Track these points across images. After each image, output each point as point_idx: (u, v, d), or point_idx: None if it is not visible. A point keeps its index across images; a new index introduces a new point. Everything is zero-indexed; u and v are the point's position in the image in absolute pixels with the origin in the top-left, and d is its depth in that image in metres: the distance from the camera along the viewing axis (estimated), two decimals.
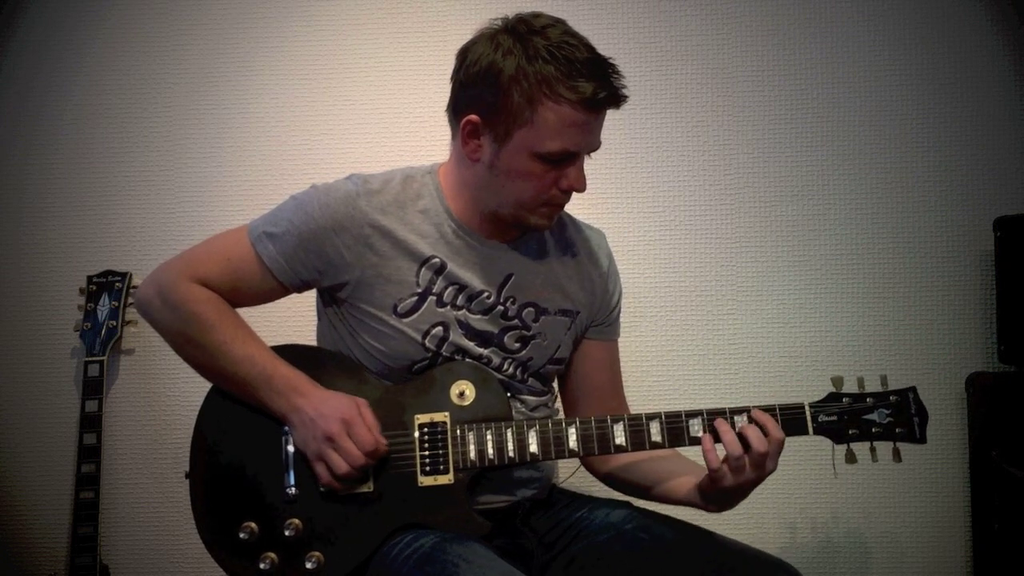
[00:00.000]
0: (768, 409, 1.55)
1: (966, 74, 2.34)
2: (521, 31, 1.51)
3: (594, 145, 1.57)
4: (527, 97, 1.48)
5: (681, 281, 2.39)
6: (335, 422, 1.50)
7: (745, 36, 2.39)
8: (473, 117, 1.54)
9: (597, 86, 1.48)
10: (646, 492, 1.70)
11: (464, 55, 1.57)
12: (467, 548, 1.45)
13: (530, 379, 1.69)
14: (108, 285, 2.36)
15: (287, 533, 1.54)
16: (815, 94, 2.38)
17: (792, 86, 2.38)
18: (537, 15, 1.55)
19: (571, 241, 1.76)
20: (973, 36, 2.34)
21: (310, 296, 1.74)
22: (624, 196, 2.39)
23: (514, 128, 1.51)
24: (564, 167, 1.54)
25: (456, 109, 1.59)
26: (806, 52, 2.38)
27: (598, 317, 1.78)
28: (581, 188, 1.57)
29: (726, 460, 1.50)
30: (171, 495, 2.38)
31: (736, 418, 1.54)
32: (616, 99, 1.52)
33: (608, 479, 1.77)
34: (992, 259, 2.23)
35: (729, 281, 2.38)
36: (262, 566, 1.53)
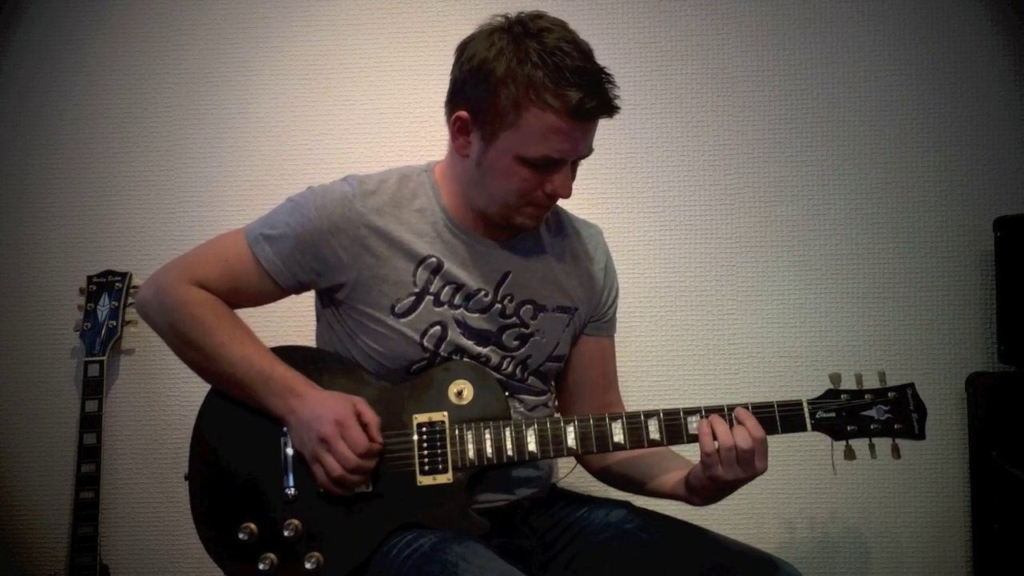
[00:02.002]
0: (766, 406, 1.55)
1: (966, 74, 2.34)
2: (517, 32, 1.51)
3: (581, 153, 1.56)
4: (513, 100, 1.48)
5: (681, 281, 2.39)
6: (329, 424, 1.50)
7: (745, 36, 2.39)
8: (463, 113, 1.55)
9: (585, 96, 1.47)
10: (639, 487, 1.70)
11: (462, 50, 1.57)
12: (467, 547, 1.45)
13: (530, 378, 1.69)
14: (108, 285, 2.36)
15: (286, 533, 1.54)
16: (815, 94, 2.37)
17: (792, 86, 2.38)
18: (538, 16, 1.54)
19: (568, 237, 1.76)
20: (973, 36, 2.34)
21: (309, 297, 1.74)
22: (624, 196, 2.39)
23: (500, 130, 1.51)
24: (549, 172, 1.54)
25: (449, 104, 1.60)
26: (806, 52, 2.38)
27: (596, 313, 1.78)
28: (565, 195, 1.56)
29: (719, 450, 1.49)
30: (171, 495, 2.38)
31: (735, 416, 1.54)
32: (605, 109, 1.51)
33: (602, 474, 1.77)
34: (992, 259, 2.23)
35: (729, 281, 2.38)
36: (262, 567, 1.53)
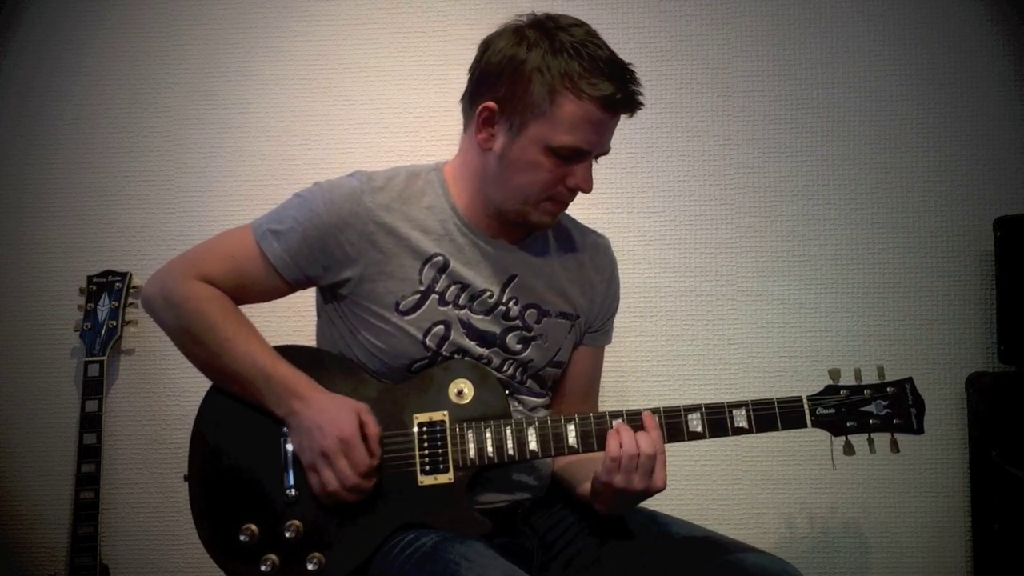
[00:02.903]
0: (766, 403, 1.55)
1: (966, 74, 2.35)
2: (549, 26, 1.54)
3: (604, 148, 1.58)
4: (549, 88, 1.50)
5: (681, 281, 2.39)
6: (333, 440, 1.50)
7: (745, 36, 2.39)
8: (491, 104, 1.55)
9: (617, 88, 1.51)
10: (571, 492, 1.68)
11: (487, 46, 1.58)
12: (468, 547, 1.45)
13: (528, 381, 1.69)
14: (108, 285, 2.36)
15: (288, 534, 1.53)
16: (815, 94, 2.38)
17: (792, 86, 2.38)
18: (563, 15, 1.57)
19: (575, 245, 1.76)
20: (973, 36, 2.34)
21: (310, 296, 1.74)
22: (624, 196, 2.39)
23: (530, 119, 1.52)
24: (572, 165, 1.55)
25: (473, 97, 1.60)
26: (806, 52, 2.38)
27: (595, 323, 1.79)
28: (587, 189, 1.58)
29: (621, 456, 1.48)
30: (171, 495, 2.38)
31: (735, 412, 1.55)
32: (632, 104, 1.55)
33: (553, 477, 1.76)
34: (992, 259, 2.23)
35: (729, 281, 2.38)
36: (263, 568, 1.52)
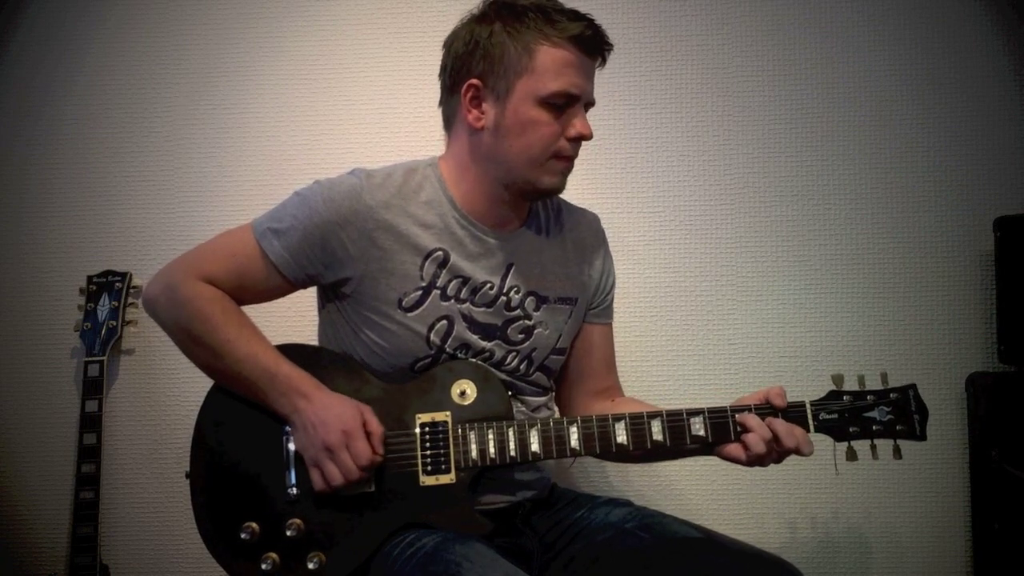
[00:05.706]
0: (770, 408, 1.56)
1: (966, 74, 2.35)
2: (502, 2, 1.60)
3: (590, 94, 1.62)
4: (524, 46, 1.55)
5: (681, 281, 2.39)
6: (335, 433, 1.51)
7: (745, 36, 2.39)
8: (474, 81, 1.58)
9: (585, 26, 1.56)
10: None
11: (451, 42, 1.64)
12: (469, 547, 1.45)
13: (535, 373, 1.70)
14: (108, 285, 2.36)
15: (289, 533, 1.54)
16: (815, 94, 2.38)
17: (792, 86, 2.38)
18: None
19: (568, 226, 1.78)
20: (973, 36, 2.34)
21: (311, 295, 1.74)
22: (624, 196, 2.39)
23: (514, 80, 1.56)
24: (567, 113, 1.58)
25: (452, 89, 1.63)
26: (806, 52, 2.38)
27: (596, 300, 1.80)
28: (588, 134, 1.60)
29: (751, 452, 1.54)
30: (171, 495, 2.38)
31: (738, 416, 1.55)
32: (602, 41, 1.60)
33: None
34: (992, 259, 2.24)
35: (729, 281, 2.38)
36: (264, 566, 1.53)
